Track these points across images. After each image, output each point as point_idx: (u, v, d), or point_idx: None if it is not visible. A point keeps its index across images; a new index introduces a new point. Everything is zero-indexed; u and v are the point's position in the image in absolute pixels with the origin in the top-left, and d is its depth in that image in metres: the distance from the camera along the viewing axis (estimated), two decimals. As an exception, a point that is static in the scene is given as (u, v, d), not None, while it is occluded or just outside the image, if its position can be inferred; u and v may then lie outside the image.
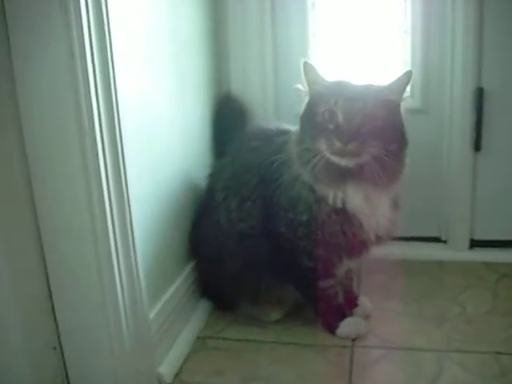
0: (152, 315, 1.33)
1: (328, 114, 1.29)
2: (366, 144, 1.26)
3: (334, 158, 1.28)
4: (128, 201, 1.17)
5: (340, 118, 1.27)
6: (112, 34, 1.08)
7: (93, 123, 1.06)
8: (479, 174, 1.88)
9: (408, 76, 1.31)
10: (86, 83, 1.03)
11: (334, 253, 1.41)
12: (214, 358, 1.46)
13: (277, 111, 1.93)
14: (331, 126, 1.28)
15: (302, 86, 1.38)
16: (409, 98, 1.82)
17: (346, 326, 1.53)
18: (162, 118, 1.45)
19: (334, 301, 1.54)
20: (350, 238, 1.38)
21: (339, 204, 1.35)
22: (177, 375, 1.38)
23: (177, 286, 1.50)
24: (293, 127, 1.46)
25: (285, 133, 1.49)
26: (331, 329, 1.54)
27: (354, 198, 1.35)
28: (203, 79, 1.76)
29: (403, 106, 1.34)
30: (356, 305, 1.61)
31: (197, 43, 1.72)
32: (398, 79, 1.31)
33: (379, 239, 1.42)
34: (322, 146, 1.29)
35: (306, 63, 1.34)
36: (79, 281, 1.16)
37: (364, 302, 1.62)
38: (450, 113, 1.84)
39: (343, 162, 1.28)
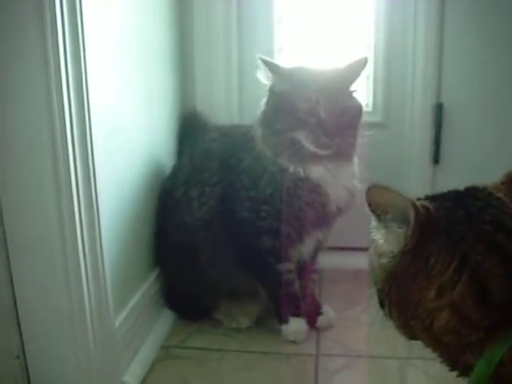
0: (117, 323, 1.32)
1: (309, 110, 1.37)
2: (344, 134, 1.40)
3: (316, 149, 1.38)
4: (97, 209, 1.16)
5: (322, 114, 1.37)
6: (86, 46, 1.08)
7: (65, 133, 1.05)
8: (437, 186, 1.93)
9: (365, 61, 1.45)
10: (59, 93, 1.03)
11: (298, 225, 1.45)
12: (178, 366, 1.45)
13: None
14: (313, 121, 1.37)
15: (265, 79, 1.46)
16: (371, 112, 1.88)
17: (293, 325, 1.54)
18: (128, 128, 1.43)
19: (290, 288, 1.53)
20: (316, 207, 1.44)
21: (302, 174, 1.42)
22: (141, 384, 1.37)
23: (142, 294, 1.49)
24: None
25: (239, 126, 1.61)
26: (281, 319, 1.55)
27: (317, 169, 1.42)
28: (170, 91, 1.76)
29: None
30: (319, 313, 1.62)
31: (164, 55, 1.72)
32: (355, 64, 1.45)
33: (340, 210, 1.49)
34: (303, 137, 1.38)
35: (263, 59, 1.43)
36: (45, 289, 1.14)
37: (327, 310, 1.63)
38: (410, 127, 1.90)
39: (324, 152, 1.39)
